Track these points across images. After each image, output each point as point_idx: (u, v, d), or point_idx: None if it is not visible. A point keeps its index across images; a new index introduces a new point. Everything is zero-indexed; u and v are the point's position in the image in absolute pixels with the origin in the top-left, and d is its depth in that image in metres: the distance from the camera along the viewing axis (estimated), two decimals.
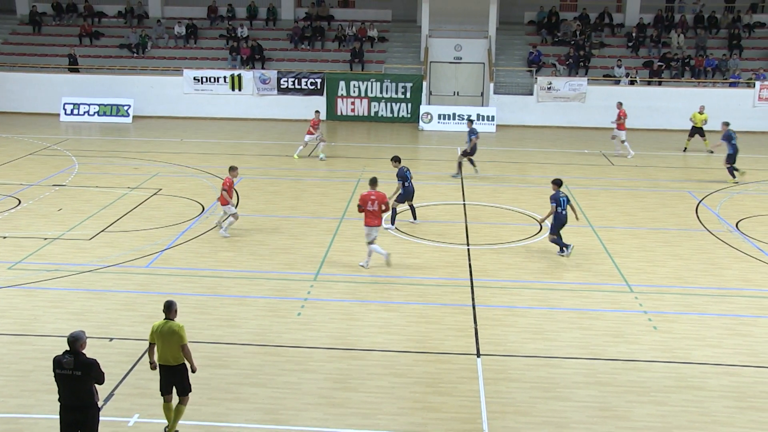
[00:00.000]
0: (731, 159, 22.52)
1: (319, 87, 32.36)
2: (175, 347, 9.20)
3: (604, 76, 32.72)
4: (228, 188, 16.67)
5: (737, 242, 17.19)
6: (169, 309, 9.29)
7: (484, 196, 20.73)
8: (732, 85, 31.79)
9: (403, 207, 18.15)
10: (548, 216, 16.23)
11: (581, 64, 33.07)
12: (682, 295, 14.20)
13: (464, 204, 19.97)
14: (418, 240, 17.01)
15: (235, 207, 17.30)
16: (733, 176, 22.44)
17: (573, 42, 33.94)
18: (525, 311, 13.35)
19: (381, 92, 32.33)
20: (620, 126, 25.79)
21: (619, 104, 26.35)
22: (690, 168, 24.70)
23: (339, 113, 32.50)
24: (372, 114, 32.50)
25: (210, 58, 34.47)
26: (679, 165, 25.12)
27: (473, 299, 13.81)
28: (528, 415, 10.10)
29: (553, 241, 16.15)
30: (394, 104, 32.42)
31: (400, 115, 32.39)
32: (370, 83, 32.32)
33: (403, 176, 17.57)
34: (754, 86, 31.08)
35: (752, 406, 10.37)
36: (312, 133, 24.45)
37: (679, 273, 15.32)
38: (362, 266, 15.18)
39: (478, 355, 11.72)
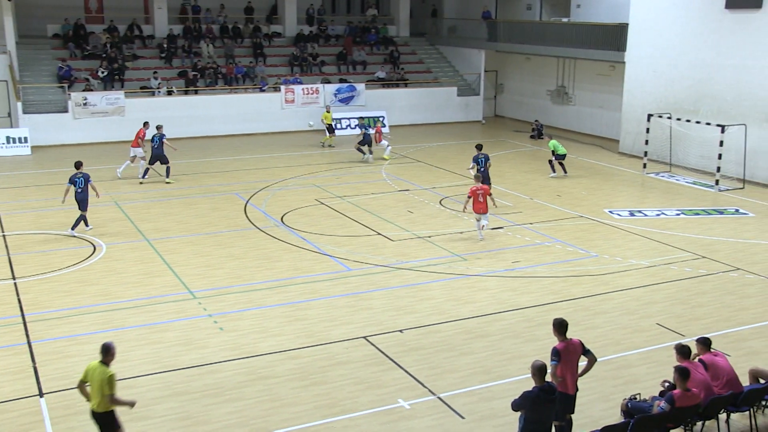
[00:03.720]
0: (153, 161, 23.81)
1: None
2: (100, 393, 8.62)
3: (141, 88, 32.53)
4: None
5: (284, 235, 18.53)
6: (105, 352, 8.72)
7: (27, 224, 19.20)
8: (261, 90, 34.05)
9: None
10: (472, 168, 21.02)
11: (116, 77, 32.44)
12: (243, 293, 14.85)
13: (3, 235, 18.24)
14: None
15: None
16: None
17: (104, 55, 33.08)
18: (89, 338, 12.69)
19: None
20: (135, 143, 24.42)
21: (145, 124, 24.89)
22: (236, 171, 25.83)
23: None
24: None
25: None
26: (227, 169, 26.07)
27: (28, 336, 12.70)
28: None
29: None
30: None
31: None
32: None
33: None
34: (280, 90, 33.72)
35: (314, 382, 11.29)
36: (380, 141, 27.92)
37: (237, 272, 15.99)
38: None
39: (41, 394, 10.83)
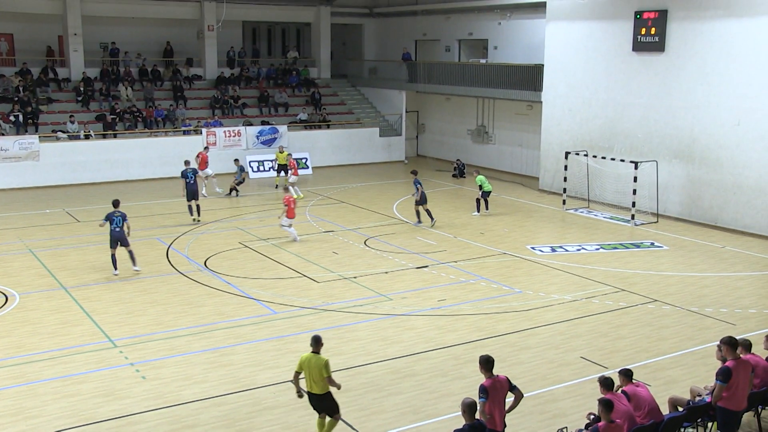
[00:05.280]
0: (190, 197, 24.01)
1: None
2: (320, 378, 10.02)
3: (56, 131, 31.67)
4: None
5: (207, 279, 18.19)
6: (316, 343, 10.16)
7: None
8: (185, 133, 33.63)
9: None
10: (417, 193, 23.46)
11: (30, 121, 31.55)
12: (166, 339, 14.46)
13: None
14: None
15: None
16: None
17: (17, 99, 32.16)
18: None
19: None
20: (203, 167, 27.62)
21: (206, 148, 29.47)
22: (156, 215, 25.30)
23: None
24: None
25: None
26: (147, 213, 25.44)
27: None
28: None
29: (425, 211, 23.71)
30: None
31: None
32: None
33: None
34: (202, 133, 33.37)
35: (240, 429, 11.04)
36: (296, 174, 28.26)
37: (160, 318, 15.58)
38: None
39: None
